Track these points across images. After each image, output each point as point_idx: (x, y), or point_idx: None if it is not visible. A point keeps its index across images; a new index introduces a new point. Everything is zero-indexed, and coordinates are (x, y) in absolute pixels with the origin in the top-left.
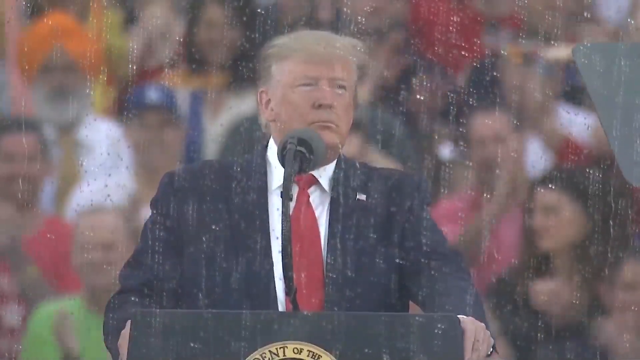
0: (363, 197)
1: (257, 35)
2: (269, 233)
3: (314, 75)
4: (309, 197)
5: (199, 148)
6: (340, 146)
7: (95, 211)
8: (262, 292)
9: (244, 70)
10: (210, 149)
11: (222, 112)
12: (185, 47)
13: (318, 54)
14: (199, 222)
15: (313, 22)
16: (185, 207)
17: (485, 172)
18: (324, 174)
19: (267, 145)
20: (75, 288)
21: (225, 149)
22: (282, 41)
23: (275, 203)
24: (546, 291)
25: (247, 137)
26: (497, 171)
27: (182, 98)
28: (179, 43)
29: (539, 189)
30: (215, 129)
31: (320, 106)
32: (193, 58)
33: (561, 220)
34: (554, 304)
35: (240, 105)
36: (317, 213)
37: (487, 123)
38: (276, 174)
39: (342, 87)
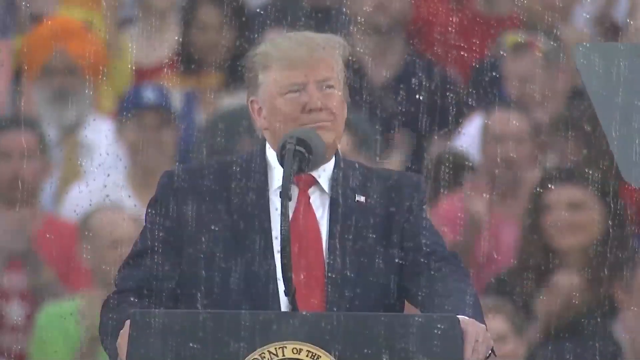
0: (362, 198)
1: (252, 35)
2: (269, 233)
3: (300, 81)
4: (310, 197)
5: (192, 148)
6: (336, 143)
7: (110, 209)
8: (263, 292)
9: (240, 71)
10: (204, 148)
11: (215, 112)
12: (180, 47)
13: (300, 59)
14: (199, 222)
15: (309, 24)
16: (185, 207)
17: (499, 171)
18: (324, 174)
19: (265, 145)
20: (79, 287)
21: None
22: (262, 50)
23: (275, 203)
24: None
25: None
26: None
27: (176, 98)
28: (176, 43)
29: (550, 186)
30: (209, 128)
31: (310, 111)
32: (187, 59)
33: (585, 218)
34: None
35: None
36: (317, 214)
37: (507, 121)
38: (276, 174)
39: (330, 86)
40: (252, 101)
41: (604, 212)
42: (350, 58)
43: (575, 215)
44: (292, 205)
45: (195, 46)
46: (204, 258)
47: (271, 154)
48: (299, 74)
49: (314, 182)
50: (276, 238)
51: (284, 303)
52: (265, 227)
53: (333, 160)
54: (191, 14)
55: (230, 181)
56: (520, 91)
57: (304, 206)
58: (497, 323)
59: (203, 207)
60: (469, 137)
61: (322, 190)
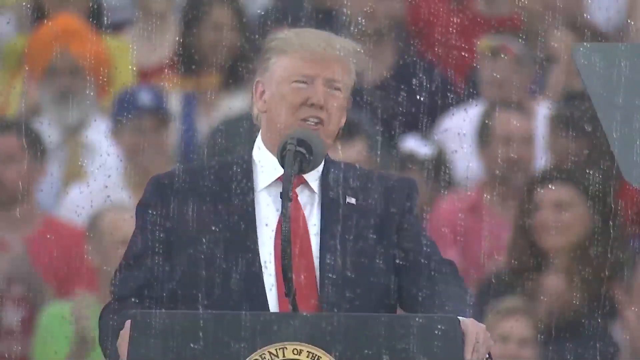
0: (353, 200)
1: (253, 36)
2: (256, 233)
3: (310, 74)
4: (297, 196)
5: (192, 150)
6: (327, 145)
7: (117, 209)
8: (252, 291)
9: (241, 72)
10: (204, 150)
11: (215, 113)
12: (180, 48)
13: (317, 53)
14: (186, 224)
15: (310, 25)
16: (172, 210)
17: (500, 172)
18: (311, 174)
19: (253, 146)
20: (79, 288)
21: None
22: (284, 35)
23: (261, 202)
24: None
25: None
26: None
27: (176, 100)
28: (176, 44)
29: (540, 186)
30: (208, 130)
31: (312, 105)
32: (187, 60)
33: (571, 218)
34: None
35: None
36: (305, 213)
37: (512, 122)
38: (262, 174)
39: (337, 88)
40: (257, 82)
41: (593, 211)
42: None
43: (561, 215)
44: (279, 207)
45: (195, 47)
46: (193, 259)
47: (257, 153)
48: (312, 67)
49: (302, 181)
50: (270, 238)
51: (275, 302)
52: (252, 227)
53: (322, 160)
54: (191, 15)
55: (217, 182)
56: (496, 94)
57: (292, 205)
58: (521, 326)
59: (190, 209)
60: (469, 137)
61: (310, 189)
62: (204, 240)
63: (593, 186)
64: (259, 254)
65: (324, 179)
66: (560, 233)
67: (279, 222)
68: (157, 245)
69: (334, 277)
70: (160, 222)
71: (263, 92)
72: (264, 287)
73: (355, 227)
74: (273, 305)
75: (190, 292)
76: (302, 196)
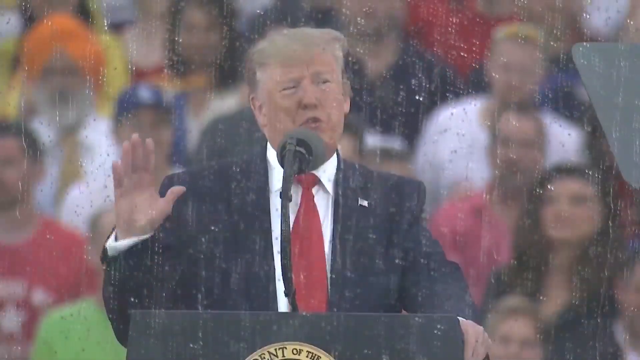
0: (365, 202)
1: (252, 36)
2: (270, 234)
3: (295, 77)
4: (314, 196)
5: (184, 149)
6: (335, 142)
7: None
8: (262, 293)
9: (239, 72)
10: (194, 149)
11: (206, 113)
12: (179, 49)
13: (295, 55)
14: (199, 223)
15: (309, 24)
16: (185, 209)
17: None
18: (324, 175)
19: (266, 146)
20: (79, 291)
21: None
22: (260, 47)
23: (276, 204)
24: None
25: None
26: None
27: (170, 100)
28: (173, 45)
29: (555, 180)
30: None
31: (305, 107)
32: (184, 60)
33: (586, 210)
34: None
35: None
36: (320, 214)
37: (516, 124)
38: (276, 175)
39: (325, 80)
40: (252, 98)
41: (603, 209)
42: (350, 59)
43: (576, 208)
44: (294, 205)
45: (193, 48)
46: (204, 259)
47: (272, 155)
48: (294, 70)
49: (317, 181)
50: (276, 239)
51: (283, 304)
52: (266, 227)
53: (335, 161)
54: (189, 16)
55: (230, 182)
56: (511, 80)
57: (307, 206)
58: (523, 327)
59: (203, 208)
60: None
61: (324, 190)
62: (219, 239)
63: (593, 186)
64: (272, 254)
65: (336, 179)
66: (573, 226)
67: (294, 222)
68: (156, 244)
69: (345, 278)
70: (173, 221)
71: (261, 107)
72: (275, 287)
73: (367, 228)
74: (283, 305)
75: (190, 292)
76: (318, 197)
